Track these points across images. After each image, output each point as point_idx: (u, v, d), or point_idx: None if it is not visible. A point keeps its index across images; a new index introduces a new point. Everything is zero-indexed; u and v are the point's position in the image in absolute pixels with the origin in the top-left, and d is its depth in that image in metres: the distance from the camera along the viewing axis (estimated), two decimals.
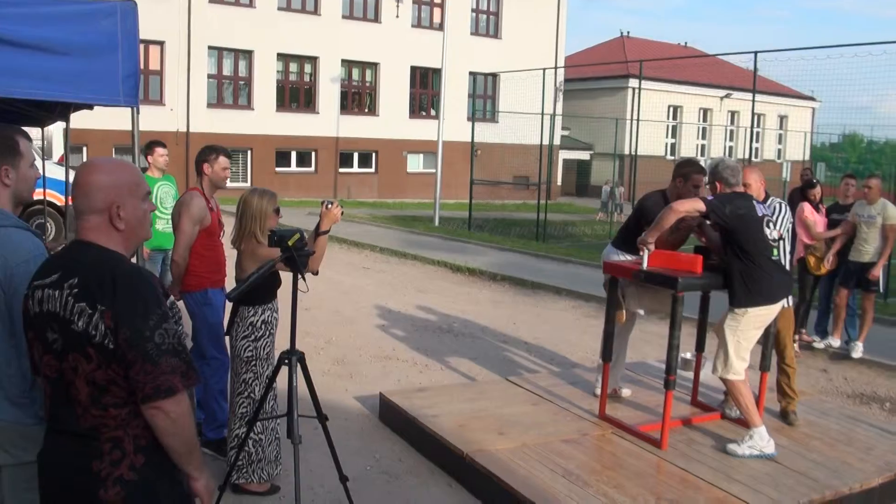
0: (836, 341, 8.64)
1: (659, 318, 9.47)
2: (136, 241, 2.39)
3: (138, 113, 3.92)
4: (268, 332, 4.69)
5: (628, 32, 42.42)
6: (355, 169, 29.84)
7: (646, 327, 8.97)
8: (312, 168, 28.83)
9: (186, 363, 2.20)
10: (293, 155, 28.33)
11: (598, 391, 6.13)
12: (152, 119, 19.70)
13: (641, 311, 6.20)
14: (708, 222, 5.33)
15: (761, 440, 5.10)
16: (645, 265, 5.34)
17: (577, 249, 17.78)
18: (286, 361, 3.62)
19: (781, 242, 5.32)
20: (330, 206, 4.44)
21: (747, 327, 5.15)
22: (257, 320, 4.64)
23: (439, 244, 17.49)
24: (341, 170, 29.16)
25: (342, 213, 4.58)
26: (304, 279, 3.52)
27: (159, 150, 7.49)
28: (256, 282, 3.57)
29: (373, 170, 30.25)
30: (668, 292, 5.84)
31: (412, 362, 7.86)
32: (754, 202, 5.20)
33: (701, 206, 5.03)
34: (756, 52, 14.69)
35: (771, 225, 5.18)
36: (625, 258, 5.94)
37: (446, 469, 5.19)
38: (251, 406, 4.65)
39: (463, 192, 26.72)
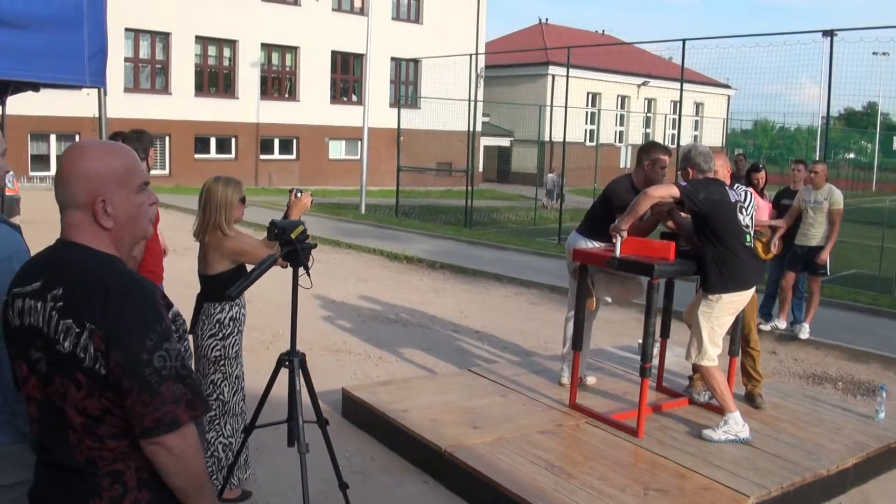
0: (782, 323, 8.82)
1: (610, 305, 9.49)
2: (132, 241, 2.04)
3: (106, 94, 3.60)
4: (236, 330, 4.44)
5: (547, 20, 42.71)
6: (276, 156, 29.17)
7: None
8: (233, 155, 28.04)
9: (192, 389, 1.86)
10: (212, 141, 27.52)
11: (564, 380, 6.08)
12: (67, 104, 18.65)
13: (609, 299, 6.16)
14: (680, 209, 5.29)
15: (736, 425, 5.11)
16: (618, 252, 5.27)
17: (508, 236, 17.83)
18: (286, 363, 3.40)
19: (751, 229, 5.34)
20: (300, 194, 4.25)
21: (721, 313, 5.15)
22: (224, 317, 4.38)
23: (370, 232, 17.24)
24: (262, 156, 28.47)
25: (312, 202, 4.39)
26: (308, 274, 3.30)
27: None
28: (258, 277, 3.32)
29: (294, 156, 29.65)
30: (636, 280, 5.83)
31: (365, 355, 7.66)
32: (727, 188, 5.19)
33: (675, 192, 4.99)
34: (684, 40, 14.89)
35: (743, 211, 5.19)
36: (592, 245, 5.87)
37: (421, 466, 5.04)
38: (220, 408, 4.40)
39: (387, 179, 26.48)
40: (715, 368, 5.17)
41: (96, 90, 3.91)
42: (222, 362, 4.39)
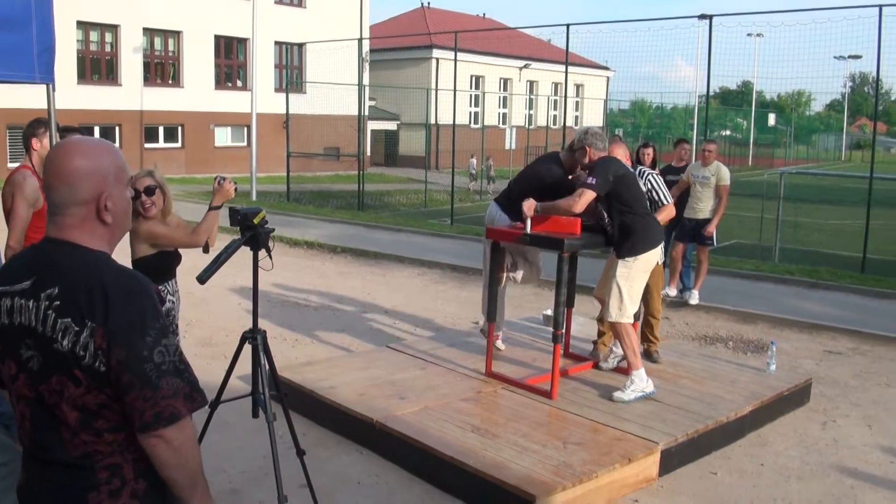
0: (672, 291, 9.47)
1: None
2: (121, 236, 2.08)
3: (54, 90, 3.68)
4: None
5: (429, 3, 43.00)
6: (161, 144, 28.41)
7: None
8: (117, 144, 27.04)
9: (190, 383, 1.91)
10: (96, 130, 26.49)
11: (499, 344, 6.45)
12: None
13: (520, 273, 6.55)
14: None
15: (641, 381, 5.60)
16: (528, 229, 5.66)
17: (403, 218, 18.11)
18: (250, 340, 3.59)
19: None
20: (223, 181, 4.37)
21: (638, 272, 5.64)
22: None
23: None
24: (147, 145, 27.65)
25: (236, 190, 4.55)
26: (270, 257, 3.50)
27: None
28: (225, 261, 3.50)
29: (179, 144, 28.94)
30: (536, 253, 6.26)
31: (281, 338, 7.81)
32: (622, 163, 5.68)
33: (591, 195, 5.43)
34: (568, 25, 15.52)
35: (640, 180, 5.77)
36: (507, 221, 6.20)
37: (353, 438, 5.29)
38: None
39: (274, 165, 26.27)
40: (630, 326, 5.65)
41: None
42: None
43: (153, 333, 1.86)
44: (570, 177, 6.03)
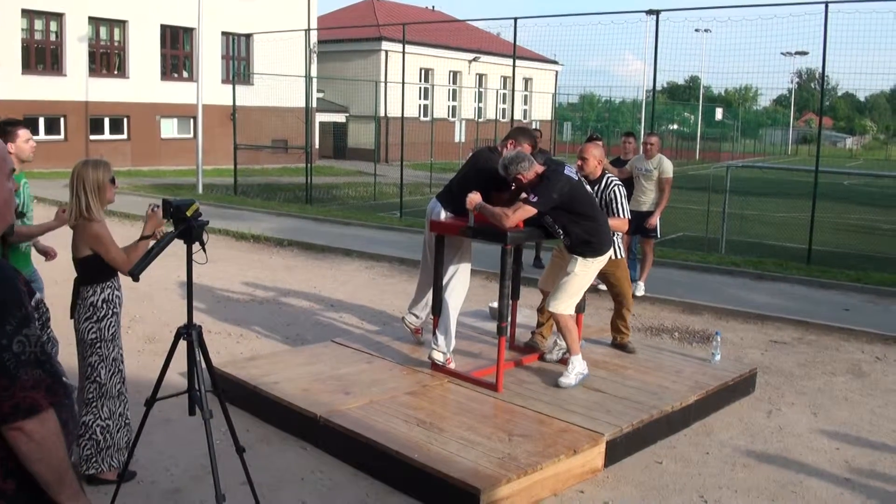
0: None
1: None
2: (3, 227, 2.03)
3: None
4: (110, 312, 4.46)
5: None
6: (107, 136, 27.72)
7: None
8: (62, 136, 26.38)
9: (52, 375, 1.87)
10: (41, 121, 25.77)
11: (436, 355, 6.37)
12: None
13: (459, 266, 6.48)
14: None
15: (580, 364, 5.73)
16: (472, 222, 5.63)
17: (351, 211, 17.97)
18: (184, 336, 3.50)
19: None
20: (156, 209, 4.20)
21: (593, 272, 5.79)
22: (97, 300, 4.41)
23: (211, 212, 16.86)
24: (92, 137, 26.95)
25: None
26: (203, 250, 3.40)
27: (23, 134, 5.33)
28: (158, 254, 3.39)
29: (125, 136, 28.28)
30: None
31: (226, 333, 7.69)
32: (564, 171, 5.58)
33: (530, 212, 5.41)
34: (515, 19, 15.47)
35: (606, 191, 5.89)
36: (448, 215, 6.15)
37: (297, 434, 5.23)
38: (97, 391, 4.43)
39: (221, 157, 25.89)
40: (571, 318, 5.71)
41: None
42: (98, 344, 4.41)
43: (14, 322, 1.82)
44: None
